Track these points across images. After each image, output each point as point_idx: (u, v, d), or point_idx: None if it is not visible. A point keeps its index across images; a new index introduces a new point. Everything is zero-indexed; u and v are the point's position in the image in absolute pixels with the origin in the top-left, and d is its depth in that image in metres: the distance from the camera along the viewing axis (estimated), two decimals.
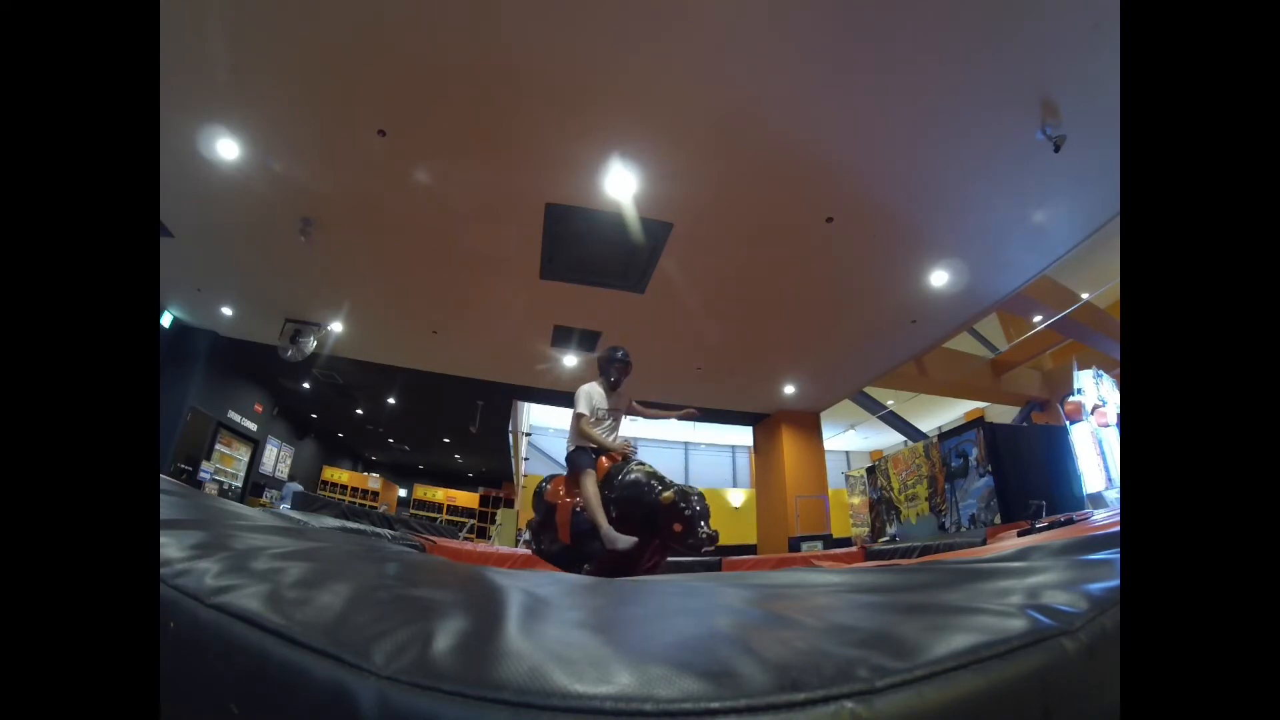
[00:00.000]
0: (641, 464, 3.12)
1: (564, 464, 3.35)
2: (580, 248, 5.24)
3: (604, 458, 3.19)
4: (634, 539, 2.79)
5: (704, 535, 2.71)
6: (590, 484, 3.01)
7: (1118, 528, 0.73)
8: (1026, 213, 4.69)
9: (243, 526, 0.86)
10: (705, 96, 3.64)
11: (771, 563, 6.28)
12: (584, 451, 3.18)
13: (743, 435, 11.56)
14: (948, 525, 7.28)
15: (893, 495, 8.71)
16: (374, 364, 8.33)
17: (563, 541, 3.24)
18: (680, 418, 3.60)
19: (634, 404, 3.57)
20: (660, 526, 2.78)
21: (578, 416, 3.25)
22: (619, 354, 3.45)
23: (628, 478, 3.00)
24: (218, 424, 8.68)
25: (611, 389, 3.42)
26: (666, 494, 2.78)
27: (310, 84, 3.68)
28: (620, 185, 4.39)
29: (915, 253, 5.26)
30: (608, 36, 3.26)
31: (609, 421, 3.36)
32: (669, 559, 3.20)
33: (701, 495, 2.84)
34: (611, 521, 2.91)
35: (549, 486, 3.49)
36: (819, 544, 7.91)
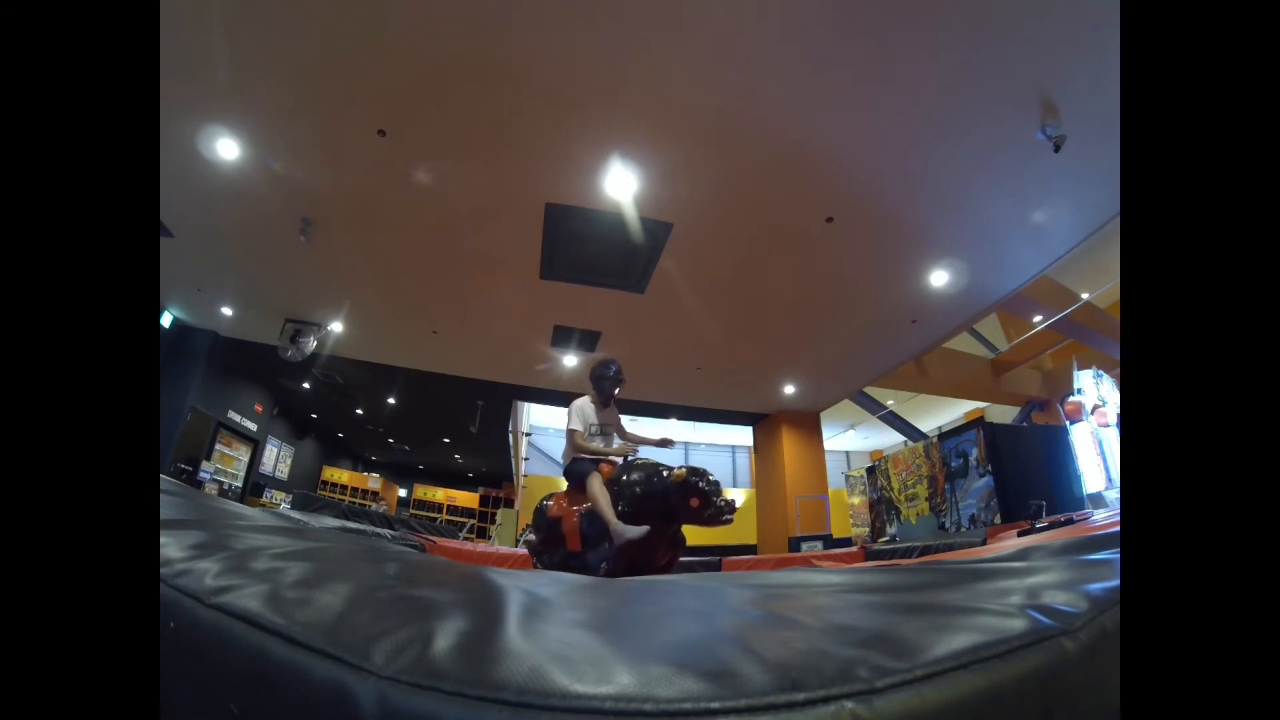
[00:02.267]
0: (643, 459, 3.13)
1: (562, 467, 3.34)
2: (580, 248, 5.24)
3: (604, 464, 3.17)
4: (644, 527, 2.78)
5: (722, 504, 2.74)
6: (597, 483, 3.00)
7: (1118, 528, 0.73)
8: (1026, 213, 4.68)
9: (243, 526, 0.86)
10: (705, 96, 3.64)
11: (771, 563, 6.27)
12: (584, 460, 3.17)
13: (743, 435, 11.56)
14: (948, 525, 7.28)
15: (893, 495, 8.70)
16: (374, 364, 8.33)
17: (572, 551, 3.18)
18: (657, 444, 3.47)
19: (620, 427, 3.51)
20: (676, 508, 2.80)
21: (570, 433, 3.25)
22: (612, 370, 3.39)
23: (633, 474, 3.00)
24: (218, 424, 8.68)
25: (604, 405, 3.38)
26: (679, 471, 2.82)
27: (310, 84, 3.68)
28: (620, 185, 4.39)
29: (915, 253, 5.26)
30: (608, 37, 3.26)
31: (600, 438, 3.32)
32: (679, 559, 3.20)
33: (710, 472, 2.89)
34: (623, 517, 2.89)
35: (550, 503, 3.41)
36: (819, 544, 7.90)
